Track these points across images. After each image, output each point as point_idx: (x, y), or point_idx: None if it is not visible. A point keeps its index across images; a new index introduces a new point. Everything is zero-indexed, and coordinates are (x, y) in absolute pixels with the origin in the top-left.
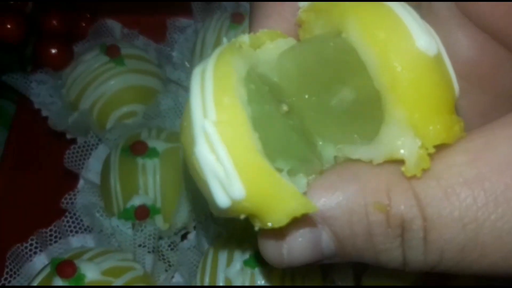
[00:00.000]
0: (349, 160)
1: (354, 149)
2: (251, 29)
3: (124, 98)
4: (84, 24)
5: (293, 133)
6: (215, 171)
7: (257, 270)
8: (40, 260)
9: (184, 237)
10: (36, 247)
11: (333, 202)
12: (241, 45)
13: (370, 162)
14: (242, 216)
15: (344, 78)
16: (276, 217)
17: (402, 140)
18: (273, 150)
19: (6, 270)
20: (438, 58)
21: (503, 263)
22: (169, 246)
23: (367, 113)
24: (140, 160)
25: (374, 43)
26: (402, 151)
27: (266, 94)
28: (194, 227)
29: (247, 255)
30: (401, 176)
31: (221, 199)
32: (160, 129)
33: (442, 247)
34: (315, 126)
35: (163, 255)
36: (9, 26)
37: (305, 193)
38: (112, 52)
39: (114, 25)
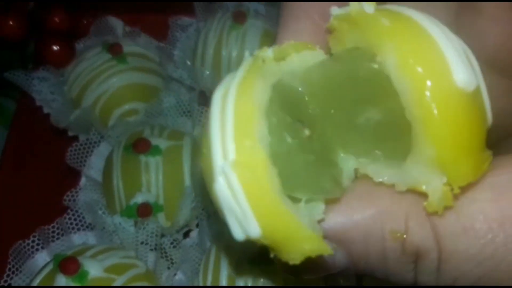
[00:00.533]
0: (369, 178)
1: (377, 170)
2: (279, 31)
3: (126, 96)
4: (86, 22)
5: (313, 166)
6: (232, 209)
7: (260, 268)
8: (42, 257)
9: (186, 234)
10: (38, 244)
11: (350, 223)
12: (264, 60)
13: (392, 186)
14: (259, 244)
15: (374, 100)
16: (291, 256)
17: (428, 176)
18: (292, 183)
19: (9, 266)
20: (475, 92)
21: None
22: (171, 243)
23: (394, 136)
24: (142, 158)
25: (410, 76)
26: (425, 187)
27: (287, 125)
28: (197, 225)
29: (250, 253)
30: (420, 206)
31: (237, 234)
32: (162, 127)
33: (455, 277)
34: (337, 138)
35: (165, 252)
36: (11, 23)
37: (322, 220)
38: (115, 50)
39: (116, 23)
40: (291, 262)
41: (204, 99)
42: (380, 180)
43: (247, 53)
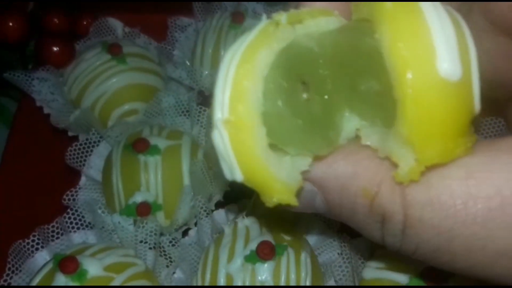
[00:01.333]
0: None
1: (368, 133)
2: None
3: (126, 96)
4: (85, 23)
5: (302, 129)
6: (223, 156)
7: (257, 266)
8: (42, 256)
9: (185, 233)
10: (38, 243)
11: (332, 175)
12: (278, 23)
13: (376, 150)
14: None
15: (373, 72)
16: (266, 200)
17: (401, 150)
18: (282, 140)
19: (8, 266)
20: (458, 82)
21: (470, 271)
22: (170, 242)
23: (389, 106)
24: (142, 157)
25: (397, 58)
26: (397, 159)
27: (282, 91)
28: (195, 224)
29: (247, 251)
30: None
31: (227, 175)
32: (161, 127)
33: (417, 243)
34: (345, 98)
35: (164, 251)
36: (10, 24)
37: (306, 171)
38: (114, 50)
39: (116, 24)
40: (267, 205)
41: (203, 99)
42: (367, 143)
43: (264, 17)
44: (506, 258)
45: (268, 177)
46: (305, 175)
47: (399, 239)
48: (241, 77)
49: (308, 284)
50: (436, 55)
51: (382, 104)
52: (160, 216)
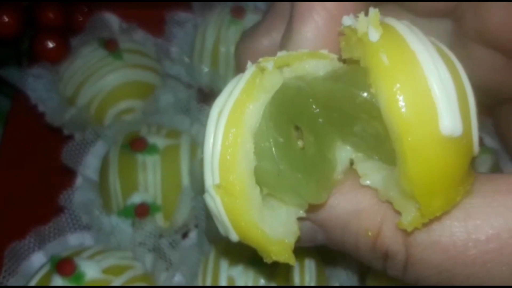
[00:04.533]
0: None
1: (366, 171)
2: (293, 27)
3: (123, 94)
4: (81, 18)
5: (300, 183)
6: (216, 217)
7: (260, 269)
8: (38, 258)
9: (185, 235)
10: (34, 245)
11: (332, 215)
12: (264, 69)
13: (375, 190)
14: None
15: (368, 120)
16: (263, 256)
17: (403, 201)
18: (279, 193)
19: (4, 267)
20: (462, 136)
21: None
22: (170, 244)
23: (386, 148)
24: (140, 157)
25: (396, 118)
26: (399, 208)
27: (279, 146)
28: (196, 225)
29: (250, 254)
30: (397, 214)
31: (222, 233)
32: (160, 125)
33: (418, 278)
34: (337, 132)
35: (164, 253)
36: (5, 20)
37: (302, 218)
38: (111, 46)
39: (112, 19)
40: (264, 260)
41: (202, 96)
42: (365, 183)
43: (249, 64)
44: None
45: (264, 240)
46: (303, 217)
47: (401, 273)
48: (231, 142)
49: None
50: (437, 114)
51: (379, 144)
52: (159, 217)
